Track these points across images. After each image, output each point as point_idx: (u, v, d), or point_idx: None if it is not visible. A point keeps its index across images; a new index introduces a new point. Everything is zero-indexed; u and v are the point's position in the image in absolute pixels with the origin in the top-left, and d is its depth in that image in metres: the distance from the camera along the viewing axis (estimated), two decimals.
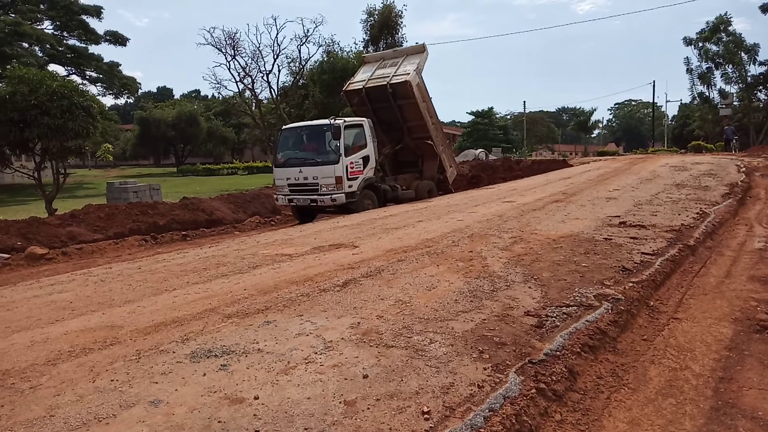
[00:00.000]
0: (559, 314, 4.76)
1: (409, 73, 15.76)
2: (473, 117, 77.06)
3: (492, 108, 77.83)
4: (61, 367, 3.91)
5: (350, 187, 14.06)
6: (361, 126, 15.07)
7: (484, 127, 73.20)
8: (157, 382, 3.57)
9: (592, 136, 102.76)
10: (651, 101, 75.47)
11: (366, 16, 33.76)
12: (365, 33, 34.07)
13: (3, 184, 37.03)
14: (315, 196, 14.12)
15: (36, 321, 5.15)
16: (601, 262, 6.55)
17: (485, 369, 3.69)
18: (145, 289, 6.27)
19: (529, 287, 5.58)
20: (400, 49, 17.78)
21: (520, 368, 3.73)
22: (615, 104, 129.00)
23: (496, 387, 3.45)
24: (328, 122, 14.45)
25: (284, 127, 16.18)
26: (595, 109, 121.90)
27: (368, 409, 3.15)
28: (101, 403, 3.31)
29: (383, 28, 33.24)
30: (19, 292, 6.66)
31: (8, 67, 31.77)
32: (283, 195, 14.89)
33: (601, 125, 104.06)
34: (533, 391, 3.46)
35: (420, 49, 17.16)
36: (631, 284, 5.70)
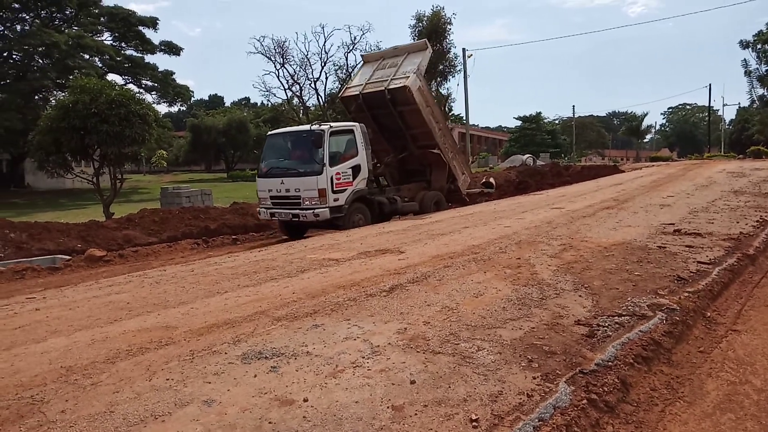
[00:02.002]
0: (610, 324, 4.65)
1: (408, 77, 14.25)
2: (520, 122, 76.17)
3: (540, 113, 76.89)
4: (120, 365, 4.07)
5: (336, 200, 12.45)
6: (351, 132, 13.37)
7: (532, 132, 72.28)
8: (210, 382, 3.66)
9: (645, 141, 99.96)
10: (707, 105, 72.56)
11: (414, 21, 33.87)
12: (413, 39, 34.14)
13: (64, 189, 38.78)
14: (297, 211, 12.53)
15: (96, 320, 5.37)
16: (655, 271, 6.37)
17: (534, 378, 3.64)
18: (198, 291, 6.46)
19: (580, 296, 5.47)
20: (401, 47, 15.86)
21: (570, 378, 3.66)
22: (668, 108, 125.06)
23: (546, 396, 3.40)
24: (308, 128, 13.13)
25: (269, 132, 14.74)
26: (647, 114, 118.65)
27: (416, 414, 3.15)
28: (157, 401, 3.42)
29: (431, 34, 33.24)
30: (80, 292, 6.97)
31: (71, 77, 33.36)
32: (265, 208, 13.33)
33: (653, 130, 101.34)
34: (584, 401, 3.39)
35: (421, 47, 15.49)
36: (686, 294, 5.52)
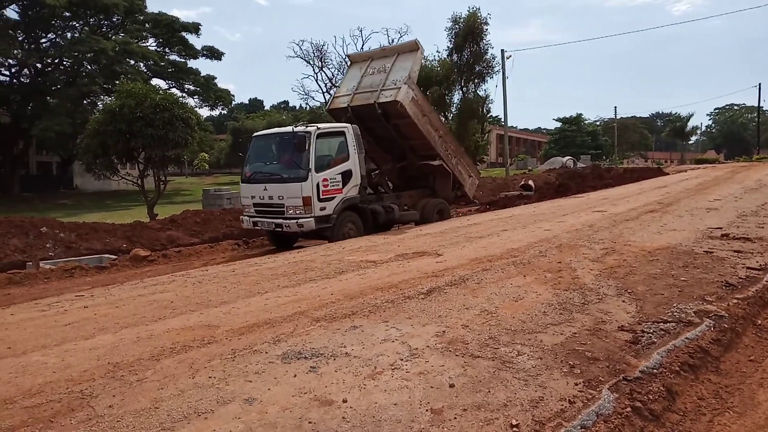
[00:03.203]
0: (655, 330, 4.53)
1: (399, 88, 12.67)
2: (560, 124, 75.03)
3: (580, 114, 75.51)
4: (164, 363, 4.17)
5: (323, 209, 11.23)
6: (342, 134, 12.07)
7: (572, 133, 71.08)
8: (251, 381, 3.72)
9: (690, 142, 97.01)
10: (756, 105, 69.94)
11: (451, 23, 33.68)
12: (449, 41, 34.02)
13: (110, 190, 40.06)
14: (280, 220, 11.37)
15: (141, 318, 5.52)
16: (702, 277, 6.17)
17: (576, 384, 3.57)
18: (239, 291, 6.57)
19: (623, 301, 5.35)
20: (389, 47, 14.49)
21: (614, 385, 3.58)
22: (715, 109, 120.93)
23: (589, 403, 3.33)
24: (291, 130, 12.00)
25: (255, 134, 13.33)
26: (692, 115, 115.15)
27: (455, 418, 3.13)
28: (200, 398, 3.49)
29: (468, 36, 33.03)
30: (125, 291, 7.18)
31: (117, 82, 34.45)
32: (248, 216, 12.23)
33: (699, 131, 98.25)
34: (628, 409, 3.31)
35: (412, 47, 13.65)
36: (735, 301, 5.33)
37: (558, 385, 3.55)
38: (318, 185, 11.13)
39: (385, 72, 13.35)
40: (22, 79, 39.33)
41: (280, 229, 11.45)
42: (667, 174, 30.82)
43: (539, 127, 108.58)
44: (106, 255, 11.67)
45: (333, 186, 11.47)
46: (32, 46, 38.17)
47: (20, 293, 8.95)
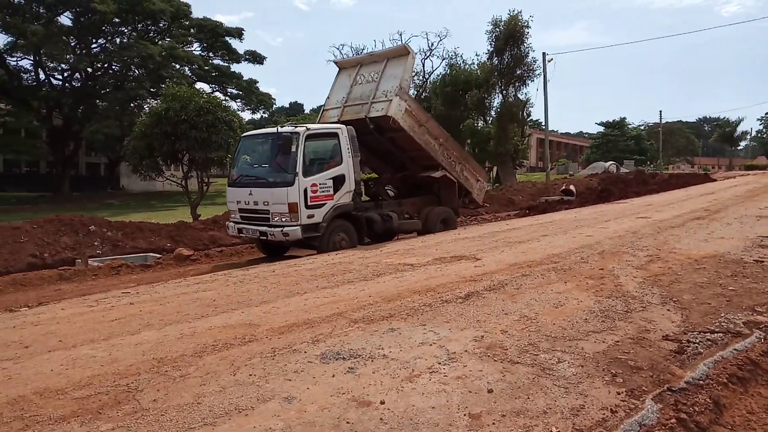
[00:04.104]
0: (702, 340, 4.40)
1: (390, 100, 11.67)
2: (603, 128, 73.65)
3: (624, 118, 74.05)
4: (206, 359, 4.27)
5: (310, 217, 10.37)
6: (335, 136, 11.20)
7: (615, 138, 69.71)
8: (290, 380, 3.77)
9: (739, 148, 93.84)
10: None
11: (491, 27, 33.45)
12: (490, 44, 33.77)
13: (155, 191, 41.15)
14: (265, 228, 10.54)
15: (184, 316, 5.66)
16: (752, 286, 5.96)
17: (619, 393, 3.49)
18: (279, 291, 6.67)
19: (668, 310, 5.21)
20: (377, 53, 13.21)
21: (658, 395, 3.49)
22: (766, 113, 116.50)
23: (631, 413, 3.25)
24: (276, 130, 11.14)
25: (243, 134, 12.58)
26: (742, 119, 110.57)
27: (493, 424, 3.11)
28: (241, 395, 3.56)
29: (508, 39, 32.74)
30: (169, 288, 7.37)
31: (163, 86, 35.39)
32: (233, 222, 11.43)
33: (749, 136, 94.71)
34: (673, 420, 3.22)
35: (401, 52, 12.54)
36: None
37: (599, 393, 3.48)
38: (306, 191, 10.29)
39: (375, 81, 12.32)
40: (74, 83, 40.83)
41: (264, 237, 10.69)
42: (715, 180, 29.86)
43: (581, 131, 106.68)
44: (151, 254, 12.01)
45: (323, 192, 10.61)
46: (83, 52, 39.55)
47: (70, 289, 9.30)
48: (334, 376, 3.81)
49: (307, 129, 10.70)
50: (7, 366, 4.32)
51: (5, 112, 38.78)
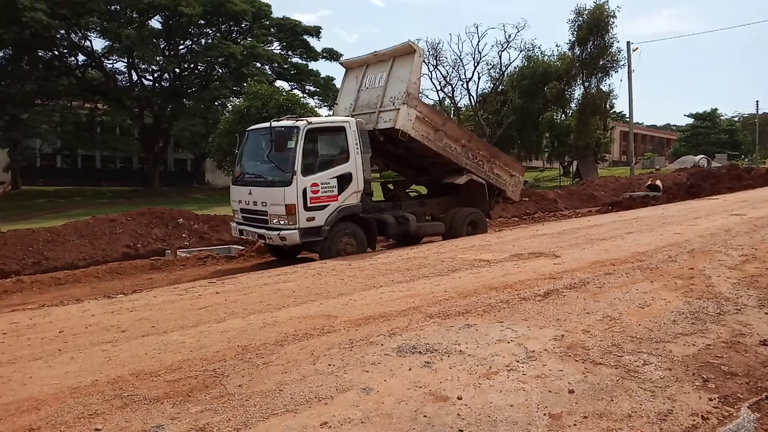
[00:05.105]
0: None
1: (397, 109, 10.55)
2: (692, 120, 69.66)
3: (715, 109, 69.68)
4: (287, 348, 4.41)
5: (311, 220, 9.48)
6: (341, 130, 10.17)
7: (706, 130, 65.76)
8: (367, 371, 3.83)
9: None
10: None
11: (574, 16, 32.38)
12: (572, 34, 32.72)
13: (223, 186, 42.78)
14: (263, 230, 9.76)
15: (266, 305, 5.88)
16: None
17: (711, 399, 3.31)
18: (356, 284, 6.79)
19: (766, 313, 4.87)
20: (381, 52, 11.90)
21: (755, 404, 3.27)
22: None
23: (724, 421, 3.08)
24: (280, 124, 10.10)
25: (249, 128, 11.33)
26: None
27: (575, 425, 3.03)
28: (320, 384, 3.66)
29: (592, 29, 31.57)
30: (252, 279, 7.68)
31: (245, 84, 36.71)
32: (236, 223, 10.78)
33: None
34: None
35: (407, 51, 11.12)
36: None
37: (689, 399, 3.31)
38: (305, 191, 9.39)
39: (382, 86, 11.27)
40: (163, 83, 43.05)
41: (263, 240, 10.07)
42: None
43: (668, 124, 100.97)
44: (234, 246, 12.51)
45: (325, 192, 9.67)
46: (172, 53, 41.65)
47: (160, 278, 9.87)
48: (410, 369, 3.84)
49: (309, 123, 9.80)
50: (107, 348, 4.65)
51: (102, 111, 41.54)
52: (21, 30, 31.33)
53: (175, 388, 3.71)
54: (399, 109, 10.51)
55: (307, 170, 9.50)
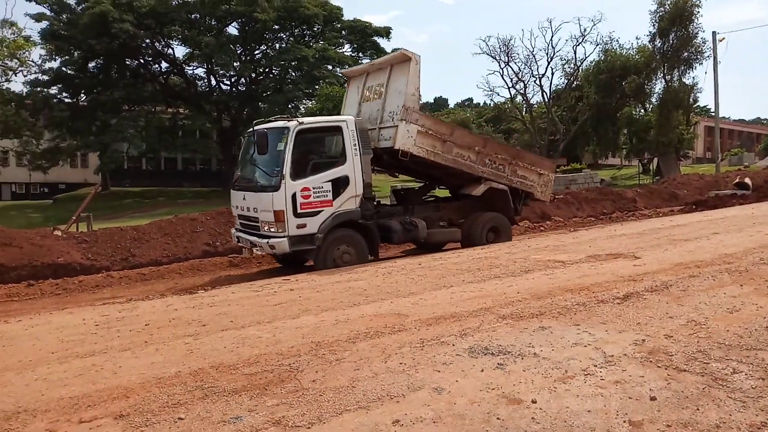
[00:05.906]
0: None
1: (396, 126, 9.75)
2: None
3: None
4: (359, 345, 4.47)
5: (301, 227, 8.86)
6: (337, 130, 9.52)
7: None
8: (439, 371, 3.82)
9: None
10: None
11: (656, 6, 30.93)
12: (652, 25, 31.26)
13: None
14: (255, 237, 9.28)
15: (339, 303, 5.99)
16: None
17: None
18: (426, 283, 6.79)
19: None
20: (381, 60, 11.39)
21: None
22: None
23: None
24: (269, 125, 9.63)
25: (252, 129, 9.67)
26: None
27: None
28: (392, 382, 3.68)
29: (675, 19, 30.04)
30: (325, 277, 7.86)
31: (316, 87, 37.45)
32: (235, 229, 10.34)
33: None
34: None
35: (402, 59, 10.24)
36: None
37: None
38: (294, 196, 8.79)
39: (381, 99, 10.51)
40: (240, 88, 44.69)
41: (255, 248, 9.57)
42: None
43: (758, 118, 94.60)
44: None
45: (318, 197, 9.02)
46: (248, 58, 43.16)
47: (238, 275, 10.26)
48: (482, 370, 3.79)
49: (300, 123, 9.19)
50: (189, 341, 4.89)
51: (184, 116, 43.65)
52: (111, 41, 33.53)
53: (253, 381, 3.84)
54: (398, 126, 9.75)
55: (297, 174, 8.93)
